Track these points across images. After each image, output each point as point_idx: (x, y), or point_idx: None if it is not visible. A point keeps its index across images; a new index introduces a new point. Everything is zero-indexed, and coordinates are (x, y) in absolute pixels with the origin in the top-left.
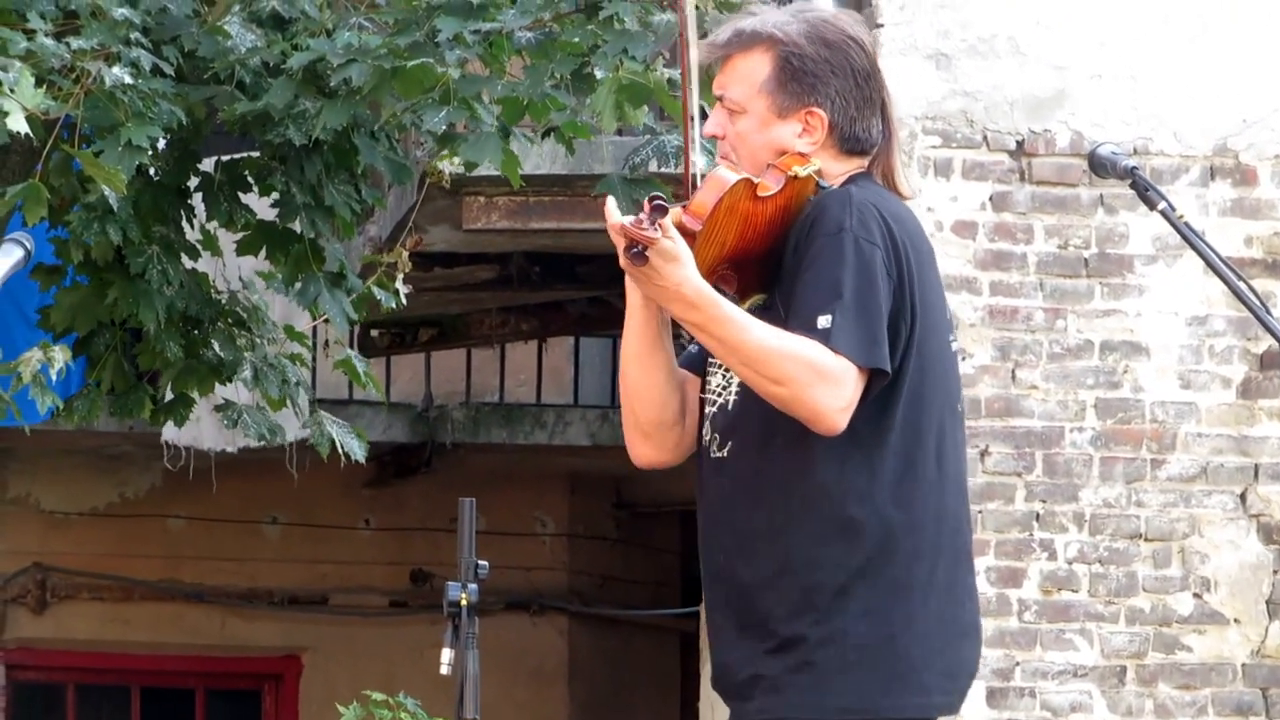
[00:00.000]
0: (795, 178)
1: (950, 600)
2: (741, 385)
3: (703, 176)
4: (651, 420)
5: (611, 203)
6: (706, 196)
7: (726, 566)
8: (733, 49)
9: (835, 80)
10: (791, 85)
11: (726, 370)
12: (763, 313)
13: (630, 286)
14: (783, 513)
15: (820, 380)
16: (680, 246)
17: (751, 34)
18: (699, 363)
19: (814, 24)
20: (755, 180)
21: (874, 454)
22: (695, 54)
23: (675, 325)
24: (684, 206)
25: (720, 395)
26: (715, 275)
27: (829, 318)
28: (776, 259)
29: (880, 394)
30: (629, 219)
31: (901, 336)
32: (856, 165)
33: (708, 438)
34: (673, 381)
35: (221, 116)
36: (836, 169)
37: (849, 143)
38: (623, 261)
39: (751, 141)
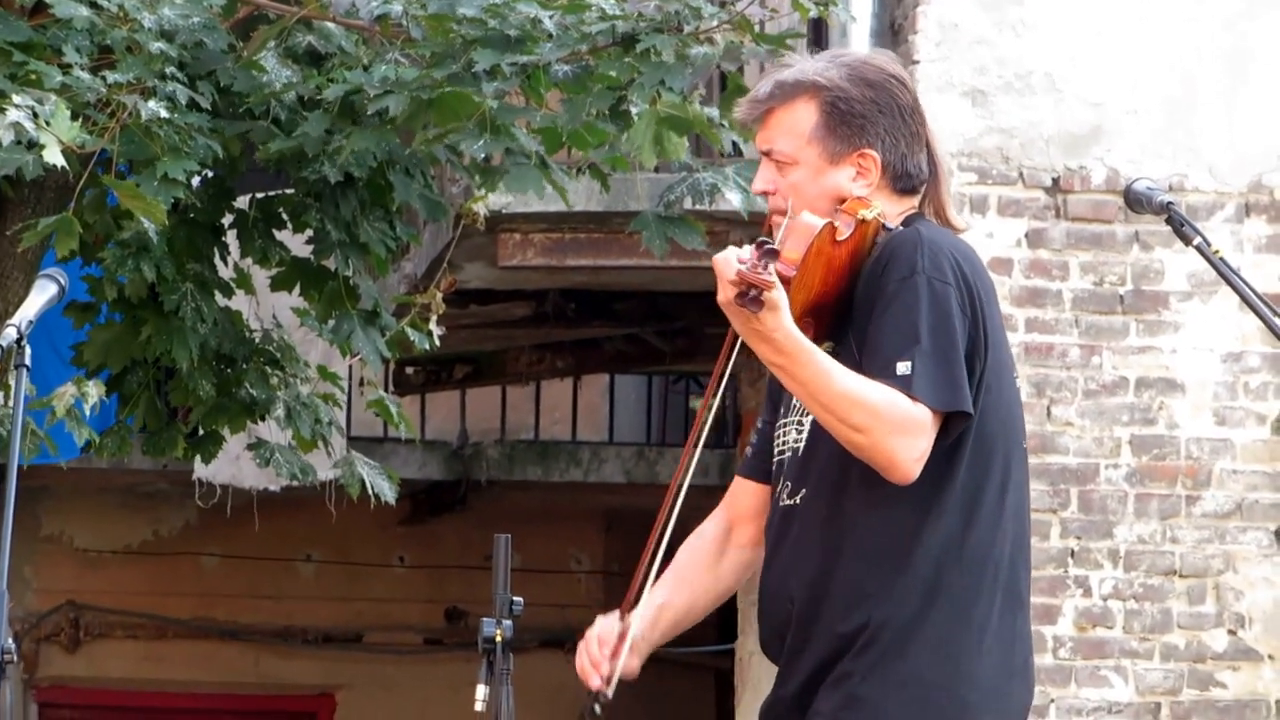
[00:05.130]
0: (863, 221)
1: (1002, 641)
2: (812, 434)
3: (747, 218)
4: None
5: (730, 251)
6: (797, 243)
7: (799, 613)
8: (775, 102)
9: (883, 119)
10: (841, 129)
11: (799, 425)
12: (834, 357)
13: None
14: (853, 557)
15: (900, 430)
16: (780, 293)
17: (794, 84)
18: (764, 457)
19: (854, 66)
20: (835, 225)
21: (943, 495)
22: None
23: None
24: (776, 254)
25: (792, 444)
26: (801, 322)
27: (908, 364)
28: (845, 304)
29: None
30: (743, 263)
31: (975, 374)
32: (909, 204)
33: (780, 487)
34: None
35: (259, 155)
36: (892, 209)
37: (901, 181)
38: (728, 302)
39: (806, 192)
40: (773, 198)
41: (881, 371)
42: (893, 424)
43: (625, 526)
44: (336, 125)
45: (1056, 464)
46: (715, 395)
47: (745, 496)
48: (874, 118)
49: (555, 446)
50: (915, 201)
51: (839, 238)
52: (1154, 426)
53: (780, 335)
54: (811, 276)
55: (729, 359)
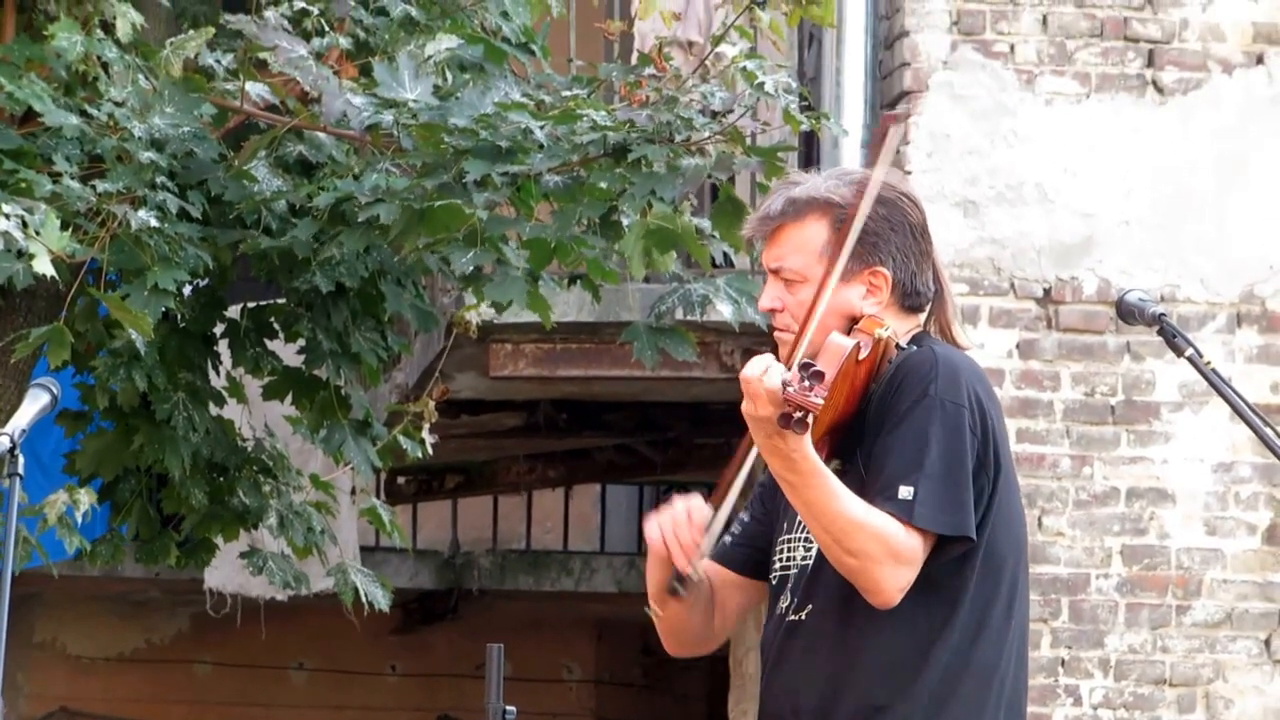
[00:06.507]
0: (879, 340)
1: None
2: (820, 551)
3: (738, 329)
4: (697, 645)
5: (774, 367)
6: (831, 364)
7: None
8: (786, 219)
9: (895, 237)
10: (853, 247)
11: (807, 542)
12: (841, 476)
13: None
14: (864, 672)
15: (891, 560)
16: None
17: (805, 201)
18: (743, 549)
19: (865, 184)
20: (859, 344)
21: (954, 611)
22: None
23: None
24: (822, 376)
25: (799, 561)
26: (818, 441)
27: (910, 489)
28: (856, 422)
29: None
30: (792, 385)
31: (985, 492)
32: (915, 322)
33: (786, 602)
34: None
35: (245, 249)
36: (900, 327)
37: (910, 299)
38: (762, 417)
39: (816, 309)
40: (779, 315)
41: (882, 493)
42: (885, 554)
43: (616, 636)
44: (326, 232)
45: (1048, 574)
46: (725, 502)
47: (720, 580)
48: (886, 236)
49: (547, 556)
50: (921, 319)
51: (860, 357)
52: (1145, 536)
53: (800, 456)
54: (838, 396)
55: (740, 468)
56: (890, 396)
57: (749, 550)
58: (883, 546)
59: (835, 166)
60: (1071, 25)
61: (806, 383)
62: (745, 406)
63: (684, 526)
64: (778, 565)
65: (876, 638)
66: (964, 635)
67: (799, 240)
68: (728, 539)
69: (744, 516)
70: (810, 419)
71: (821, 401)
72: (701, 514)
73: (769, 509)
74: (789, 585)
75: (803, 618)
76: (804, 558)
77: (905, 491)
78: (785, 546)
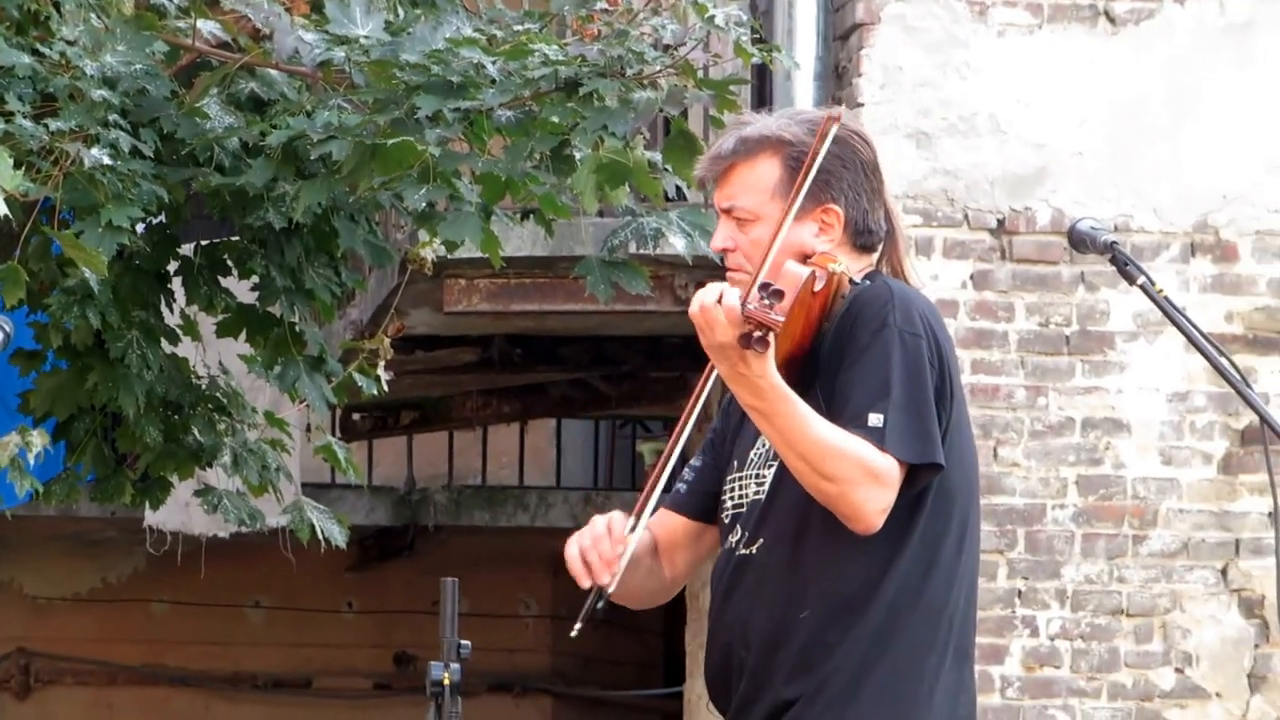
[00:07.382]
0: (833, 274)
1: (949, 694)
2: (773, 486)
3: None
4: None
5: (730, 290)
6: (788, 286)
7: (753, 663)
8: (737, 158)
9: (847, 175)
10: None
11: (759, 478)
12: None
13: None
14: (812, 607)
15: (870, 481)
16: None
17: (757, 139)
18: (697, 495)
19: (816, 122)
20: (815, 274)
21: (903, 546)
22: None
23: None
24: (781, 294)
25: (751, 497)
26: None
27: (880, 416)
28: (810, 357)
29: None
30: (751, 303)
31: (941, 425)
32: (868, 261)
33: (736, 537)
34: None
35: (198, 187)
36: (853, 266)
37: (862, 237)
38: (723, 344)
39: (768, 248)
40: (732, 255)
41: (852, 422)
42: (863, 475)
43: None
44: (280, 172)
45: (1003, 505)
46: (682, 434)
47: (671, 528)
48: (838, 173)
49: (503, 491)
50: (874, 259)
51: (815, 288)
52: (1100, 467)
53: (766, 382)
54: (795, 325)
55: (697, 403)
56: (848, 329)
57: (702, 497)
58: (860, 469)
59: (788, 99)
60: None
61: (766, 300)
62: (705, 337)
63: (603, 540)
64: (729, 504)
65: (825, 572)
66: (913, 571)
67: (751, 179)
68: (681, 486)
69: (695, 463)
70: (771, 337)
71: (782, 319)
72: (620, 525)
73: (719, 454)
74: (739, 520)
75: (753, 552)
76: (756, 493)
77: (875, 419)
78: (736, 484)
